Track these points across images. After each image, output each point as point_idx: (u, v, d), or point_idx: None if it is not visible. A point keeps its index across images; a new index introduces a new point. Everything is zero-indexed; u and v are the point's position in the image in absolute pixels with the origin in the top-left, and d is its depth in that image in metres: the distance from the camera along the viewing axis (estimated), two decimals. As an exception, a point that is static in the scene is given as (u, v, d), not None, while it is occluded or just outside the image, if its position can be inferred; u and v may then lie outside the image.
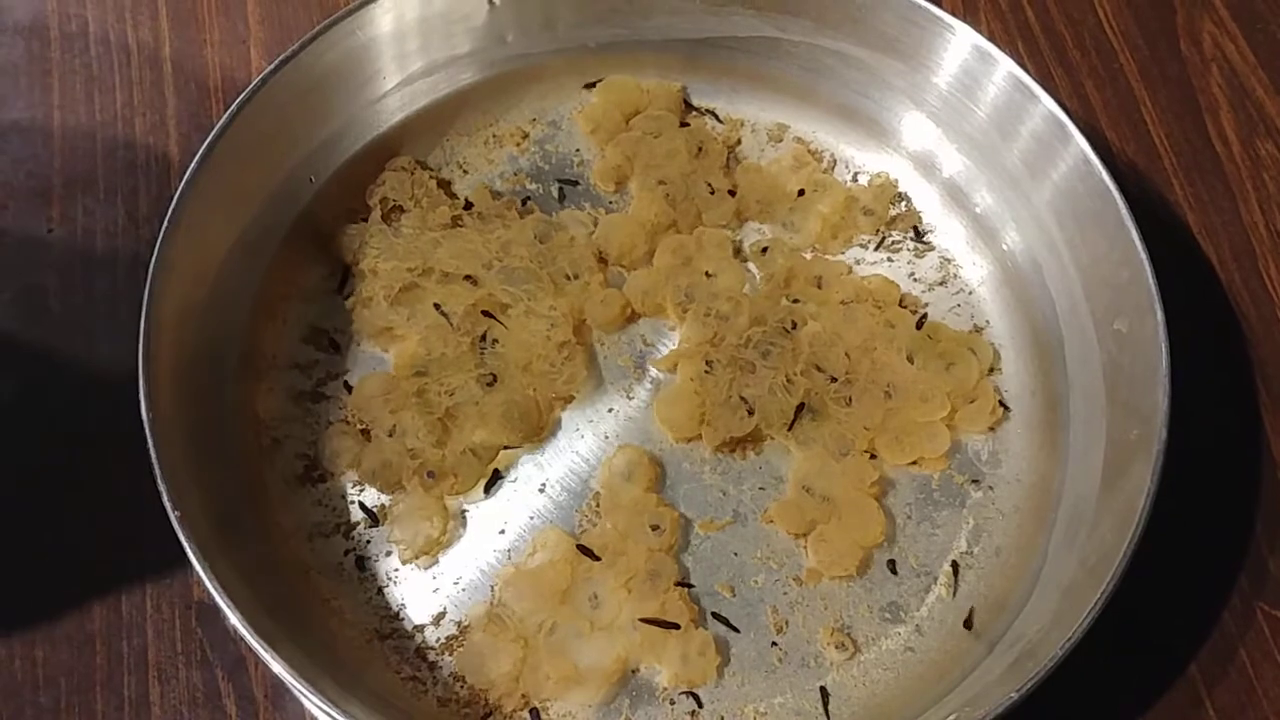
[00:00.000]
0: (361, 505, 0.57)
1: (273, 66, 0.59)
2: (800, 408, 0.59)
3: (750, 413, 0.59)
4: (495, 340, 0.60)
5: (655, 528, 0.56)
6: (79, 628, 0.55)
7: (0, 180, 0.65)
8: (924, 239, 0.65)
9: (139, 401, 0.52)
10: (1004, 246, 0.63)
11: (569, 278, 0.62)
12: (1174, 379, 0.54)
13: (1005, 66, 0.61)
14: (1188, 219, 0.68)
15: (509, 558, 0.57)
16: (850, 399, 0.59)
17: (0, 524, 0.57)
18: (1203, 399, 0.62)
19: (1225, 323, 0.65)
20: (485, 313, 0.60)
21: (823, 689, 0.55)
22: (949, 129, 0.64)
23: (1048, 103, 0.59)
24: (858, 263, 0.64)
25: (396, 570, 0.56)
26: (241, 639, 0.54)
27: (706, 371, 0.60)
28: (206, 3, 0.71)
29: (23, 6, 0.71)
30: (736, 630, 0.56)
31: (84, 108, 0.68)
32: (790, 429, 0.59)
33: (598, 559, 0.56)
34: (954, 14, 0.62)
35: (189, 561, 0.56)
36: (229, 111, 0.58)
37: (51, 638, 0.55)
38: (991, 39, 0.62)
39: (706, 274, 0.63)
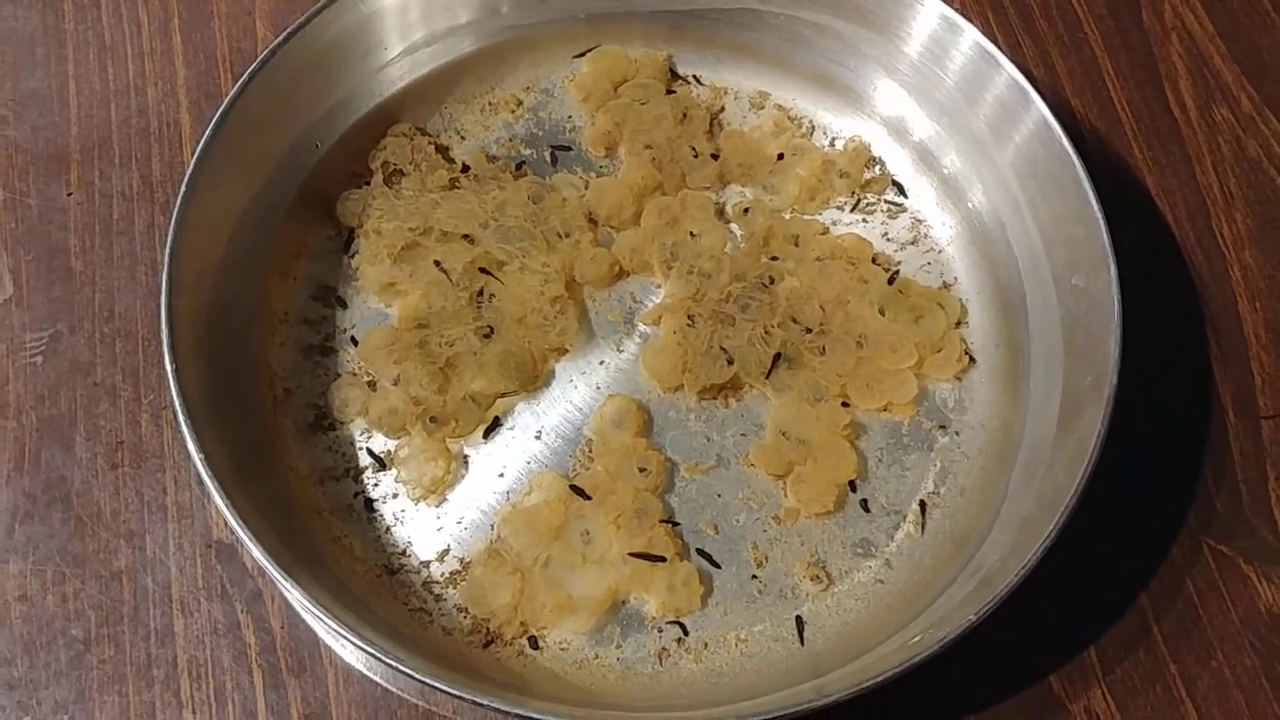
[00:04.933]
0: (369, 451, 0.61)
1: (281, 38, 0.62)
2: (777, 357, 0.63)
3: (730, 362, 0.63)
4: (492, 295, 0.64)
5: (642, 469, 0.60)
6: (106, 565, 0.59)
7: (21, 147, 0.68)
8: (904, 193, 0.68)
9: (161, 354, 0.55)
10: (970, 206, 0.67)
11: (561, 236, 0.65)
12: (1125, 329, 0.58)
13: (971, 35, 0.64)
14: (1146, 181, 0.71)
15: (507, 498, 0.61)
16: (824, 349, 0.63)
17: (32, 471, 0.61)
18: (1157, 349, 0.66)
19: (1180, 278, 0.69)
20: (482, 269, 0.64)
21: (798, 618, 0.59)
22: (919, 95, 0.68)
23: (1010, 69, 0.63)
24: (834, 224, 0.68)
25: (403, 511, 0.60)
26: (259, 574, 0.59)
27: (689, 325, 0.63)
28: (213, -25, 0.75)
29: (37, -21, 0.74)
30: (719, 566, 0.60)
31: (98, 77, 0.71)
32: (768, 377, 0.63)
33: (589, 498, 0.60)
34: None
35: (208, 503, 0.60)
36: (239, 82, 0.61)
37: (81, 575, 0.58)
38: (961, 10, 0.65)
39: (691, 234, 0.66)
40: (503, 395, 0.63)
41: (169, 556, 0.59)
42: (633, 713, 0.56)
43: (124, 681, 0.57)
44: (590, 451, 0.62)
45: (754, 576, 0.60)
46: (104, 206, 0.67)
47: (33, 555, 0.59)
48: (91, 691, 0.56)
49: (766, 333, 0.63)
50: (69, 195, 0.67)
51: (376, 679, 0.57)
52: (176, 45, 0.72)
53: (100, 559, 0.59)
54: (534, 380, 0.63)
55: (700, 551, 0.60)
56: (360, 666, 0.57)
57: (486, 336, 0.62)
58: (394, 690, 0.57)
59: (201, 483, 0.59)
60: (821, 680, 0.54)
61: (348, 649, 0.57)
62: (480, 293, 0.64)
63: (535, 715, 0.51)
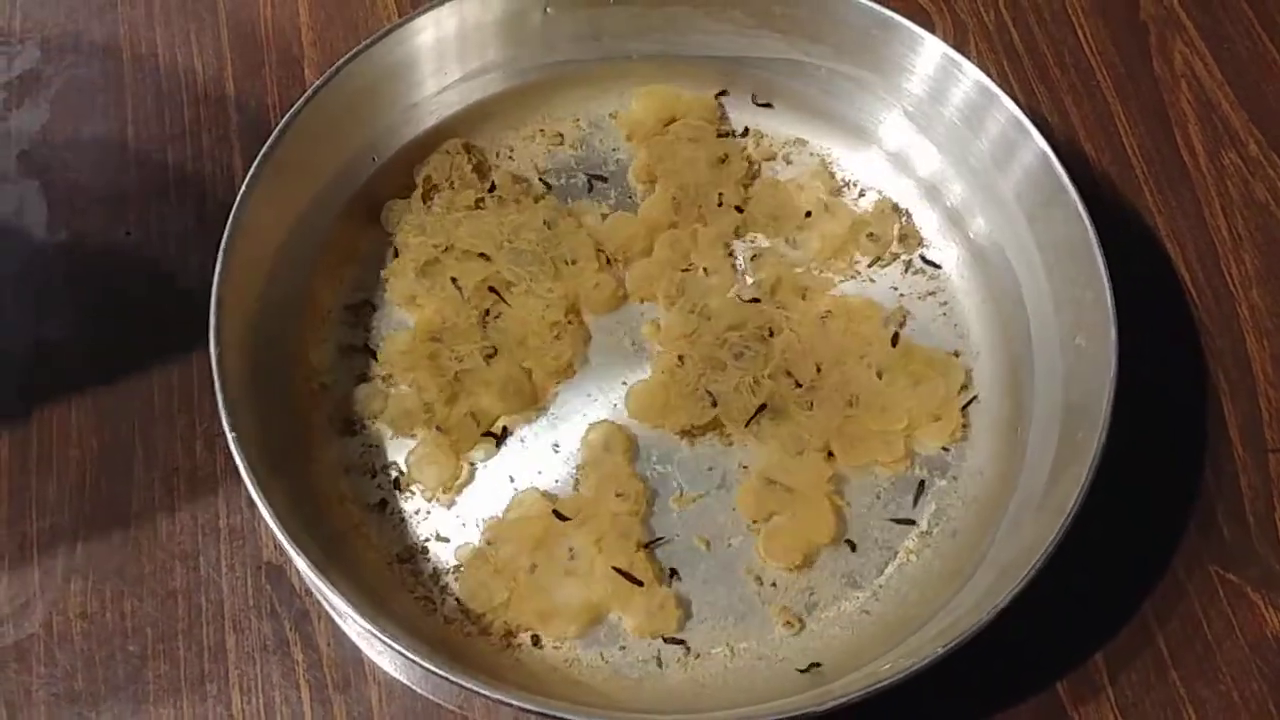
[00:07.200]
0: (397, 469, 0.64)
1: (325, 77, 0.67)
2: (762, 407, 0.64)
3: (714, 404, 0.64)
4: (499, 315, 0.67)
5: (619, 494, 0.62)
6: (162, 584, 0.62)
7: (82, 188, 0.72)
8: (929, 261, 0.71)
9: (211, 377, 0.59)
10: (975, 241, 0.70)
11: (568, 263, 0.68)
12: (1123, 386, 0.59)
13: (972, 74, 0.67)
14: (1157, 223, 0.74)
15: (500, 511, 0.63)
16: (812, 404, 0.64)
17: (93, 495, 0.64)
18: (1167, 386, 0.68)
19: (1190, 317, 0.71)
20: (491, 288, 0.67)
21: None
22: (961, 166, 0.70)
23: (1040, 141, 0.65)
24: (856, 274, 0.70)
25: (416, 511, 0.63)
26: (306, 594, 0.62)
27: (678, 364, 0.65)
28: (263, 27, 0.78)
29: (98, 30, 0.78)
30: (708, 583, 0.62)
31: (155, 123, 0.75)
32: (747, 425, 0.64)
33: (567, 519, 0.62)
34: (945, 38, 0.69)
35: (258, 528, 0.63)
36: (283, 120, 0.65)
37: (139, 593, 0.61)
38: (977, 60, 0.68)
39: (705, 270, 0.68)
40: (501, 418, 0.65)
41: (221, 577, 0.62)
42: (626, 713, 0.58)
43: (179, 695, 0.59)
44: (579, 473, 0.64)
45: (744, 596, 0.62)
46: (161, 245, 0.70)
47: (93, 574, 0.62)
48: (148, 705, 0.59)
49: (756, 382, 0.65)
50: (127, 235, 0.71)
51: (417, 689, 0.59)
52: (229, 92, 0.76)
53: (157, 578, 0.62)
54: (534, 403, 0.66)
55: (675, 572, 0.62)
56: (402, 678, 0.60)
57: (489, 357, 0.65)
58: (434, 700, 0.59)
59: (251, 505, 0.63)
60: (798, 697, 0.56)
61: (383, 656, 0.60)
62: (488, 312, 0.67)
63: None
